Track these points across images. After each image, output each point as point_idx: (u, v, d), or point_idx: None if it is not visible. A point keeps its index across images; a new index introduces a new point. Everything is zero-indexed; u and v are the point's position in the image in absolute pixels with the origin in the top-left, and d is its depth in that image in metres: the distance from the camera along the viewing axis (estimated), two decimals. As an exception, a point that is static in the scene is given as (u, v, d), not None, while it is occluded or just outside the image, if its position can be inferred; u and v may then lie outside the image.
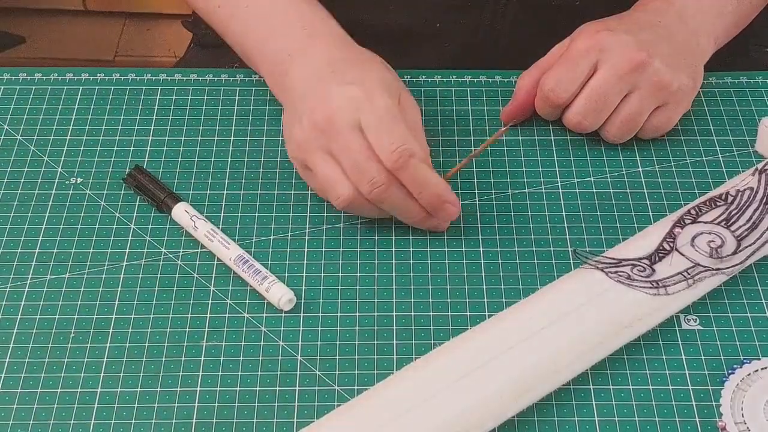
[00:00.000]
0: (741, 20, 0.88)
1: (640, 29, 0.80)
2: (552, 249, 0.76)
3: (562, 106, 0.81)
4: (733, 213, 0.75)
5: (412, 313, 0.72)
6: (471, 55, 0.93)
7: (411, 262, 0.75)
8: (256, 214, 0.78)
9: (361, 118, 0.71)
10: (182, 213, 0.77)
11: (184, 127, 0.84)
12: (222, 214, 0.78)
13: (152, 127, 0.84)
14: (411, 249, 0.76)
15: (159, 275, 0.74)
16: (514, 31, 0.93)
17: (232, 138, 0.84)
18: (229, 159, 0.82)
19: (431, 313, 0.72)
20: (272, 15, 0.79)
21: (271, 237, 0.76)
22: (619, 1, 0.87)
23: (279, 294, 0.71)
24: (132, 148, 0.83)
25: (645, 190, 0.80)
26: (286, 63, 0.77)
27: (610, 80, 0.78)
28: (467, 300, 0.73)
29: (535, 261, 0.75)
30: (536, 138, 0.84)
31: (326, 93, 0.72)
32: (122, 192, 0.80)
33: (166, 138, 0.84)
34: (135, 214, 0.78)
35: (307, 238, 0.76)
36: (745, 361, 0.68)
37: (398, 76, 0.77)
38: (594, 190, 0.80)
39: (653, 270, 0.72)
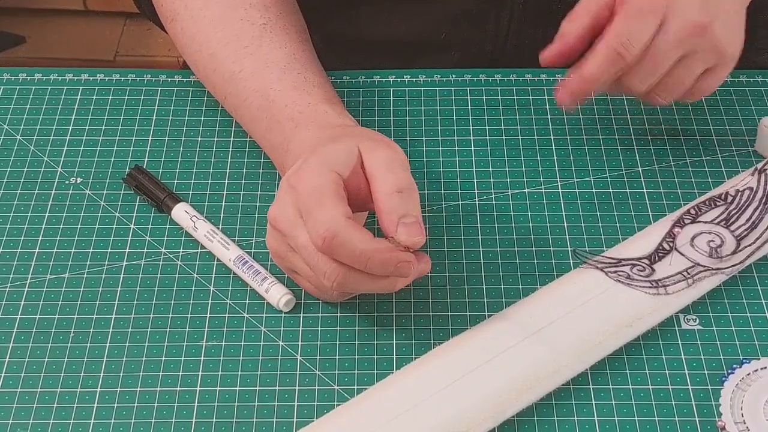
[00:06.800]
0: None
1: None
2: (552, 249, 0.76)
3: (631, 64, 0.74)
4: (732, 213, 0.75)
5: (412, 313, 0.72)
6: (477, 61, 0.93)
7: (411, 262, 0.75)
8: (256, 215, 0.78)
9: (299, 208, 0.66)
10: (182, 213, 0.77)
11: (184, 128, 0.85)
12: (222, 215, 0.78)
13: (152, 128, 0.84)
14: (411, 249, 0.76)
15: (159, 275, 0.74)
16: (519, 36, 0.92)
17: (232, 139, 0.84)
18: (229, 159, 0.82)
19: (431, 313, 0.72)
20: (266, 108, 0.76)
21: (271, 237, 0.76)
22: None
23: (278, 295, 0.71)
24: (132, 149, 0.83)
25: (645, 190, 0.80)
26: (282, 157, 0.75)
27: (671, 42, 0.73)
28: (467, 300, 0.73)
29: (535, 261, 0.75)
30: (536, 138, 0.84)
31: (278, 190, 0.69)
32: (122, 192, 0.80)
33: (166, 138, 0.84)
34: (135, 214, 0.78)
35: (306, 238, 0.76)
36: (744, 361, 0.68)
37: (369, 137, 0.70)
38: (594, 190, 0.80)
39: (653, 270, 0.72)
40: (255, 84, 0.77)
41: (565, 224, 0.78)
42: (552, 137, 0.84)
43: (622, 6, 0.73)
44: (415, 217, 0.65)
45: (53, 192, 0.80)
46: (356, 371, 0.69)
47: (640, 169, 0.82)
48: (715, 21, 0.74)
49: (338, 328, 0.71)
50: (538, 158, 0.82)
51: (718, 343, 0.70)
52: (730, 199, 0.76)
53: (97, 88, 0.88)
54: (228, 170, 0.81)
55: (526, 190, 0.80)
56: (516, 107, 0.86)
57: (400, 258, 0.64)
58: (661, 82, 0.76)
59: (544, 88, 0.88)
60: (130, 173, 0.80)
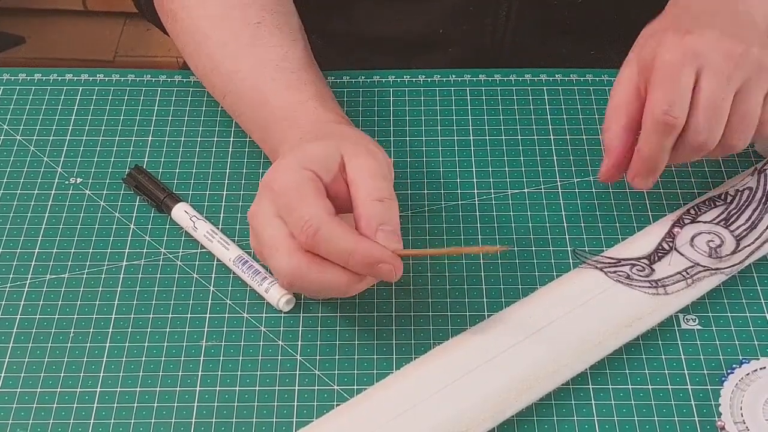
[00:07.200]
0: None
1: (712, 19, 0.72)
2: (552, 249, 0.76)
3: (680, 128, 0.70)
4: (732, 213, 0.75)
5: (412, 313, 0.72)
6: (477, 58, 0.93)
7: (411, 261, 0.75)
8: (256, 214, 0.78)
9: (278, 207, 0.66)
10: (182, 213, 0.77)
11: (184, 128, 0.85)
12: (222, 215, 0.78)
13: (152, 128, 0.84)
14: (410, 249, 0.76)
15: (158, 275, 0.74)
16: (518, 31, 0.92)
17: (232, 139, 0.84)
18: (229, 159, 0.82)
19: (431, 313, 0.72)
20: (262, 107, 0.76)
21: (271, 237, 0.76)
22: None
23: (278, 295, 0.71)
24: (132, 149, 0.83)
25: (645, 190, 0.80)
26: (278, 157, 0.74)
27: (721, 83, 0.69)
28: (467, 300, 0.73)
29: (535, 261, 0.75)
30: (536, 138, 0.84)
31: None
32: (122, 192, 0.80)
33: (166, 138, 0.84)
34: (135, 214, 0.78)
35: (306, 238, 0.76)
36: (744, 360, 0.68)
37: (355, 140, 0.69)
38: (594, 190, 0.80)
39: (652, 270, 0.72)
40: (251, 83, 0.77)
41: (565, 224, 0.78)
42: (552, 137, 0.84)
43: (653, 75, 0.71)
44: (394, 226, 0.65)
45: (53, 192, 0.80)
46: (356, 371, 0.69)
47: (639, 169, 0.81)
48: (749, 44, 0.71)
49: (338, 328, 0.71)
50: (538, 158, 0.82)
51: (717, 343, 0.70)
52: (729, 199, 0.76)
53: (96, 88, 0.88)
54: (228, 170, 0.81)
55: (526, 190, 0.80)
56: (516, 107, 0.86)
57: (384, 258, 0.64)
58: (729, 125, 0.71)
59: (544, 88, 0.88)
60: (130, 173, 0.80)
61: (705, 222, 0.75)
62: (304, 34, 0.83)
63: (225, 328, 0.71)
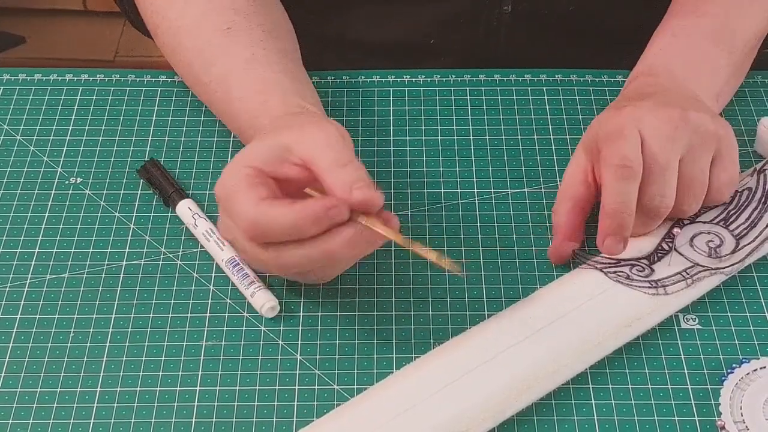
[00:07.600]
0: (740, 70, 0.82)
1: (650, 96, 0.74)
2: (551, 249, 0.76)
3: (639, 176, 0.70)
4: (731, 213, 0.75)
5: (412, 313, 0.72)
6: (475, 60, 0.93)
7: (410, 261, 0.75)
8: (256, 214, 0.78)
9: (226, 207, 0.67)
10: (185, 210, 0.77)
11: (184, 128, 0.85)
12: (222, 214, 0.78)
13: (152, 128, 0.85)
14: (411, 248, 0.76)
15: (159, 275, 0.74)
16: (509, 41, 0.93)
17: (232, 138, 0.84)
18: (229, 159, 0.82)
19: (431, 313, 0.72)
20: (233, 116, 0.77)
21: (271, 237, 0.76)
22: (612, 3, 0.87)
23: (262, 301, 0.71)
24: (132, 149, 0.83)
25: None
26: None
27: (664, 145, 0.70)
28: (467, 300, 0.73)
29: (535, 261, 0.75)
30: (536, 138, 0.84)
31: None
32: (122, 192, 0.80)
33: (166, 138, 0.84)
34: (135, 214, 0.78)
35: (306, 237, 0.76)
36: (744, 360, 0.68)
37: (305, 123, 0.70)
38: (593, 190, 0.80)
39: (652, 270, 0.72)
40: (221, 94, 0.78)
41: (565, 224, 0.77)
42: (552, 137, 0.84)
43: (601, 144, 0.71)
44: (367, 181, 0.65)
45: (53, 192, 0.80)
46: (356, 371, 0.69)
47: (639, 169, 0.81)
48: (687, 110, 0.72)
49: (338, 327, 0.71)
50: (538, 158, 0.82)
51: (717, 342, 0.70)
52: (729, 199, 0.76)
53: (96, 88, 0.88)
54: (228, 170, 0.81)
55: (525, 190, 0.80)
56: (516, 107, 0.86)
57: (326, 204, 0.63)
58: (679, 190, 0.71)
59: (544, 88, 0.88)
60: (144, 165, 0.80)
61: (704, 222, 0.75)
62: (283, 31, 0.82)
63: (225, 328, 0.71)
